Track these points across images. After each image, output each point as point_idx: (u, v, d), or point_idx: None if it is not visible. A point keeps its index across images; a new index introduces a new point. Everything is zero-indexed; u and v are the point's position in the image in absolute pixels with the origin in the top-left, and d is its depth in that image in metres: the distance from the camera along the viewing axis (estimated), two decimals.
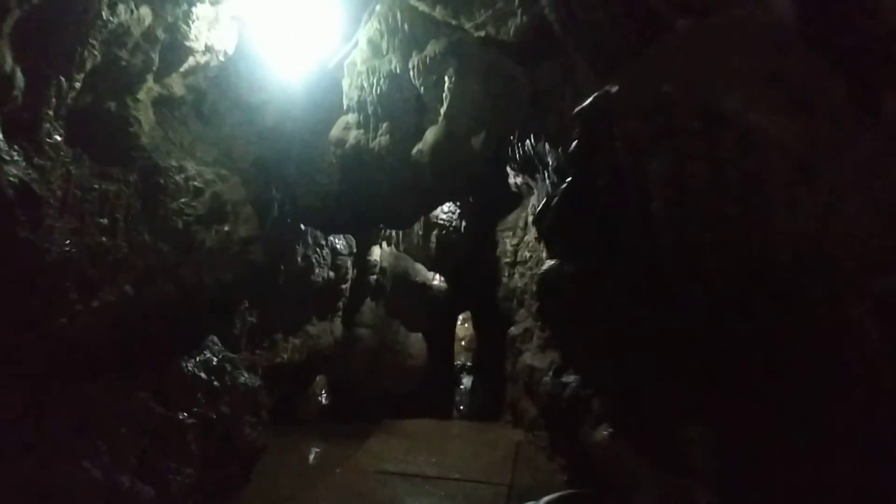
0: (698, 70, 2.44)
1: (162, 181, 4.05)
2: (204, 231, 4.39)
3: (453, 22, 4.34)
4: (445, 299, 8.87)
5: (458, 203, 8.92)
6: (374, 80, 4.89)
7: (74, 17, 3.14)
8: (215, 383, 4.58)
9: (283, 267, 6.33)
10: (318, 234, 6.93)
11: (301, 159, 5.33)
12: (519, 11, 3.93)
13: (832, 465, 2.19)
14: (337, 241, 7.36)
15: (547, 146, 5.22)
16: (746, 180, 2.37)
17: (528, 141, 5.55)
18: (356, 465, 5.77)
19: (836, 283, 2.24)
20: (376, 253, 8.16)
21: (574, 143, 3.13)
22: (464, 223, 9.14)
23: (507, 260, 8.08)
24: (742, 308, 2.40)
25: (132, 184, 3.85)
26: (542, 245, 6.88)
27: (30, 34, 2.96)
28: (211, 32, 4.15)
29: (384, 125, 4.98)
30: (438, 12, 4.36)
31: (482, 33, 4.26)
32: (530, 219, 7.35)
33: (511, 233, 8.17)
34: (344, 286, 7.66)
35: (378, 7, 4.80)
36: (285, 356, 6.65)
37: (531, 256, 7.33)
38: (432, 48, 4.46)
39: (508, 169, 6.71)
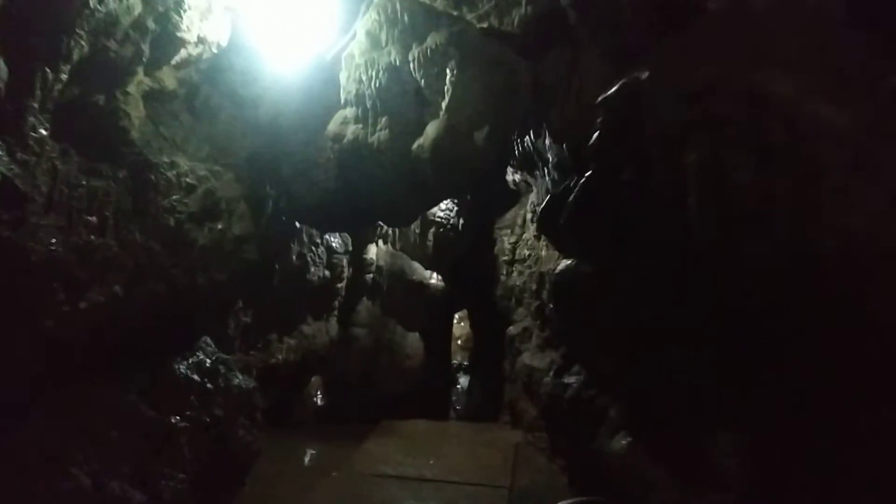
0: (740, 53, 2.27)
1: (153, 177, 3.96)
2: (196, 229, 4.31)
3: (455, 13, 4.25)
4: (443, 298, 8.79)
5: (455, 200, 8.84)
6: (373, 73, 4.77)
7: (60, 5, 3.02)
8: (209, 385, 4.50)
9: (277, 266, 6.25)
10: (314, 232, 6.86)
11: (297, 155, 5.24)
12: (524, 1, 3.83)
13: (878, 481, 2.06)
14: (332, 239, 7.29)
15: (547, 142, 5.12)
16: (797, 172, 2.20)
17: (527, 137, 5.45)
18: (353, 468, 5.68)
19: None
20: (372, 251, 8.08)
21: (595, 135, 2.96)
22: (461, 221, 9.06)
23: (506, 258, 8.02)
24: (786, 310, 2.25)
25: (122, 180, 3.76)
26: (541, 243, 6.85)
27: (13, 23, 2.85)
28: (203, 23, 4.04)
29: (383, 119, 4.86)
30: (439, 3, 4.26)
31: (485, 24, 4.16)
32: (529, 216, 7.32)
33: (509, 231, 8.12)
34: (340, 285, 7.58)
35: None
36: (280, 357, 6.57)
37: (530, 255, 7.26)
38: (433, 40, 4.34)
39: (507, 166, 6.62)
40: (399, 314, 8.25)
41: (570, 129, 3.85)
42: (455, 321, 10.73)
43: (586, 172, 3.22)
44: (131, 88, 3.82)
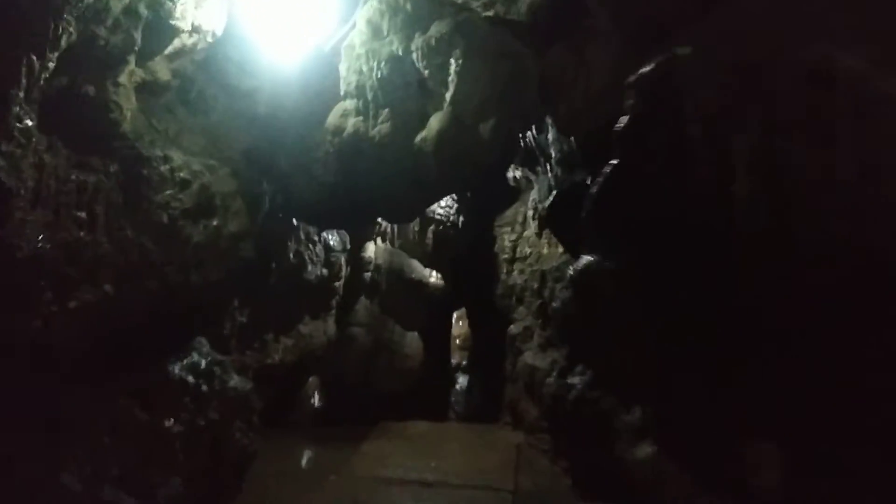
0: (798, 23, 2.09)
1: (145, 172, 3.85)
2: (191, 226, 4.21)
3: (459, 0, 4.15)
4: (442, 297, 8.72)
5: (455, 197, 8.78)
6: (374, 64, 4.67)
7: None
8: (203, 388, 4.42)
9: (274, 264, 6.16)
10: (312, 229, 6.78)
11: (295, 149, 5.15)
12: None
13: None
14: (330, 236, 7.20)
15: (550, 137, 5.02)
16: (864, 157, 2.01)
17: (529, 132, 5.35)
18: (352, 471, 5.59)
19: None
20: (371, 249, 8.01)
21: (626, 120, 2.77)
22: (461, 218, 8.99)
23: (506, 256, 7.94)
24: (842, 309, 2.10)
25: (113, 175, 3.65)
26: (542, 241, 6.78)
27: None
28: (198, 11, 3.94)
29: (385, 112, 4.76)
30: None
31: (490, 12, 4.06)
32: (530, 213, 7.24)
33: (509, 228, 8.04)
34: (337, 284, 7.50)
35: None
36: (277, 357, 6.47)
37: (531, 253, 7.19)
38: (437, 29, 4.23)
39: None
40: (398, 313, 8.17)
41: (578, 120, 3.73)
42: (453, 320, 10.66)
43: (599, 164, 3.07)
44: (123, 79, 3.71)
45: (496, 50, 4.08)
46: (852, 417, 2.14)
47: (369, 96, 4.83)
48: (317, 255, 6.94)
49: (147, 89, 3.96)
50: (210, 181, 4.36)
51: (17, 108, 2.92)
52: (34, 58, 2.93)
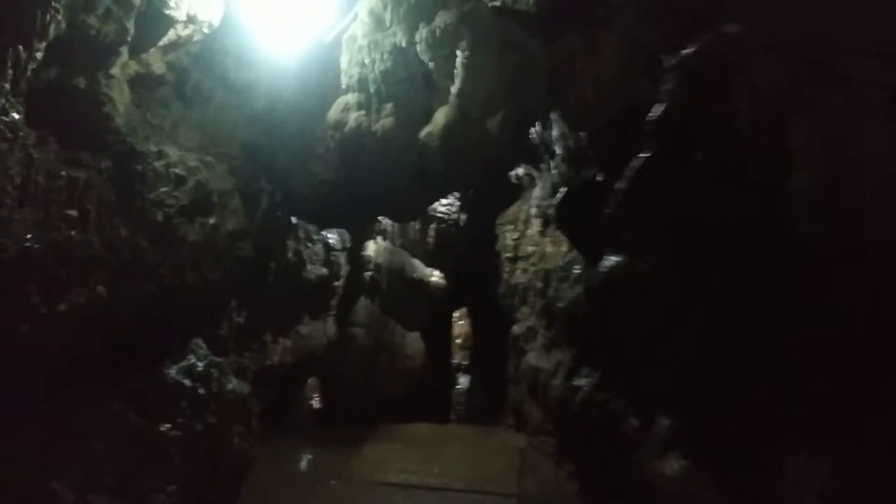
0: None
1: (139, 168, 3.73)
2: (187, 224, 4.11)
3: None
4: (444, 296, 8.64)
5: (457, 195, 8.73)
6: (377, 56, 4.55)
7: None
8: (201, 391, 4.35)
9: (273, 263, 6.08)
10: (311, 227, 6.71)
11: (294, 145, 5.03)
12: None
13: None
14: (330, 235, 7.14)
15: (555, 133, 4.90)
16: None
17: (533, 129, 5.23)
18: (353, 475, 5.55)
19: None
20: (371, 248, 7.94)
21: (665, 106, 2.60)
22: (463, 216, 8.93)
23: (508, 255, 7.88)
24: None
25: (105, 171, 3.52)
26: (545, 239, 6.70)
27: None
28: (194, 1, 3.79)
29: (388, 106, 4.65)
30: None
31: (497, 2, 3.95)
32: (533, 212, 7.17)
33: (512, 226, 7.97)
34: (337, 283, 7.44)
35: None
36: (275, 358, 6.38)
37: (534, 251, 7.11)
38: (442, 19, 4.11)
39: None
40: (399, 313, 8.10)
41: (589, 112, 3.60)
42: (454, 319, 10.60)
43: (611, 159, 2.93)
44: (115, 71, 3.58)
45: (503, 41, 3.97)
46: None
47: (372, 90, 4.73)
48: (316, 255, 6.88)
49: (141, 82, 3.83)
50: (207, 178, 4.26)
51: (4, 101, 2.77)
52: (20, 48, 2.79)
